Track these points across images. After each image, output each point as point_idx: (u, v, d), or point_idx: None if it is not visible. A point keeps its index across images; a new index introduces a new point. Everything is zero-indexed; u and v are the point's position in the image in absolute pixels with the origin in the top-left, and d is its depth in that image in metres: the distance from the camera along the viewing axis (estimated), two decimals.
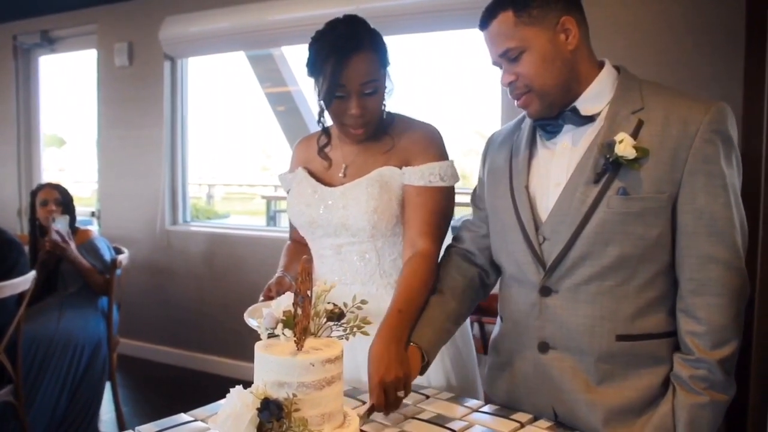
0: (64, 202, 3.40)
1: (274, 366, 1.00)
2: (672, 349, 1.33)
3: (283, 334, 1.06)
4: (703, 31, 2.94)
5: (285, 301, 1.12)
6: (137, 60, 4.55)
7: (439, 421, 1.37)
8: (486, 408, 1.45)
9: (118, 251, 3.52)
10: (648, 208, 1.27)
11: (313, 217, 1.69)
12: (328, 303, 1.13)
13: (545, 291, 1.37)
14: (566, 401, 1.36)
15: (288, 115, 5.08)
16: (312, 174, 1.76)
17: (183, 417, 1.40)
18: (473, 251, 1.59)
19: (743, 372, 2.05)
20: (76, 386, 3.16)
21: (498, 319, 1.57)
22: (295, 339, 1.02)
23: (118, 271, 3.35)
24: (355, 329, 1.15)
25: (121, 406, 3.47)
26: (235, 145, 7.66)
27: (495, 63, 1.39)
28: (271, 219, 6.15)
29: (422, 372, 1.44)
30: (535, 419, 1.40)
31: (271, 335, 1.09)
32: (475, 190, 1.64)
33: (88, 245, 3.34)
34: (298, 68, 4.93)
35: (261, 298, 1.62)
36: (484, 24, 1.37)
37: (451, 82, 5.55)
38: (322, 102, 1.62)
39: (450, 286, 1.54)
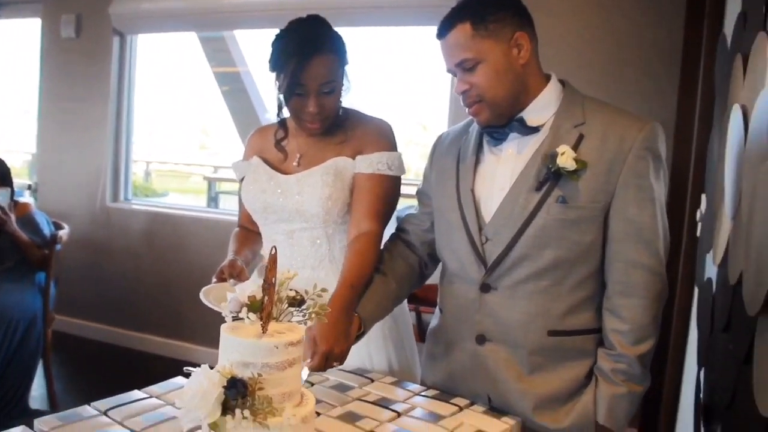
0: (1, 175, 3.31)
1: (240, 347, 1.07)
2: (596, 344, 1.46)
3: (247, 317, 1.12)
4: (644, 46, 3.14)
5: (249, 287, 1.18)
6: (85, 33, 4.43)
7: (383, 403, 1.46)
8: (426, 392, 1.55)
9: (58, 226, 3.46)
10: (583, 216, 1.39)
11: (268, 202, 1.75)
12: (290, 290, 1.20)
13: (485, 288, 1.47)
14: (500, 389, 1.48)
15: (235, 96, 5.07)
16: (267, 162, 1.83)
17: (137, 394, 1.44)
18: (414, 243, 1.69)
19: (661, 365, 2.23)
20: (8, 362, 3.12)
21: (437, 311, 1.67)
22: (261, 323, 1.09)
23: (58, 246, 3.31)
24: (313, 315, 1.21)
25: (53, 383, 3.43)
26: (173, 122, 7.53)
27: (449, 71, 1.47)
28: (213, 200, 6.11)
29: (355, 341, 1.53)
30: (472, 404, 1.50)
31: (236, 318, 1.15)
32: (419, 187, 1.72)
33: (26, 219, 3.28)
34: (248, 49, 4.92)
35: (214, 279, 1.66)
36: (441, 33, 1.44)
37: (399, 75, 5.64)
38: (281, 97, 1.69)
39: (392, 268, 1.63)
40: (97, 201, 4.46)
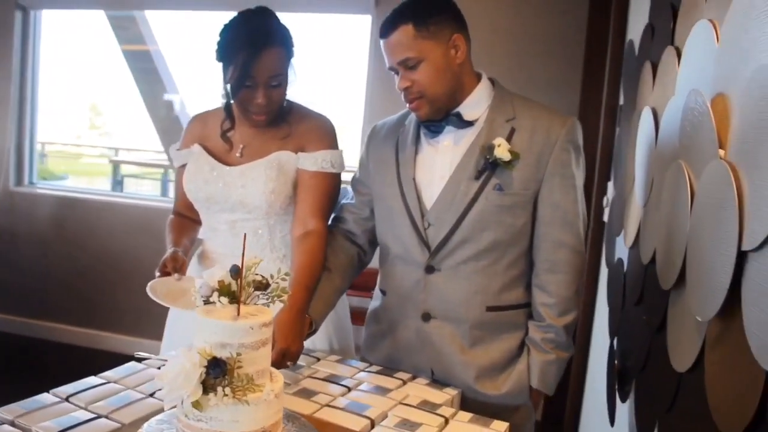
0: None
1: (217, 329, 1.12)
2: (526, 318, 1.62)
3: (219, 301, 1.19)
4: (549, 39, 3.36)
5: (217, 273, 1.24)
6: None
7: (333, 379, 1.56)
8: (370, 368, 1.66)
9: None
10: (517, 202, 1.55)
11: (210, 193, 1.78)
12: (256, 274, 1.27)
13: (429, 269, 1.60)
14: (444, 362, 1.61)
15: (145, 75, 4.93)
16: (208, 151, 1.83)
17: (94, 380, 1.46)
18: (355, 232, 1.77)
19: None
20: None
21: (378, 292, 1.77)
22: (237, 306, 1.16)
23: None
24: (275, 298, 1.29)
25: None
26: (59, 100, 7.16)
27: (391, 68, 1.57)
28: (118, 184, 5.92)
29: (306, 338, 1.61)
30: (414, 377, 1.62)
31: (206, 302, 1.21)
32: (356, 174, 1.80)
33: None
34: (158, 28, 4.80)
35: (157, 273, 1.67)
36: (384, 33, 1.54)
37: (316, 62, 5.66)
38: (228, 87, 1.70)
39: (336, 264, 1.70)
40: (0, 185, 4.24)
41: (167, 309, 4.32)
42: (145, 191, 6.69)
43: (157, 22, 4.74)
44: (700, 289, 0.98)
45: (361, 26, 3.80)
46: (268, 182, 1.74)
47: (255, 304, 1.28)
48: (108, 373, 1.51)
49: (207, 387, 1.11)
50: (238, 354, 1.12)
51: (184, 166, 1.88)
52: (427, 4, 1.53)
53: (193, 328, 1.18)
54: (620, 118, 2.26)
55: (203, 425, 1.13)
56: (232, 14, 1.70)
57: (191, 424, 1.14)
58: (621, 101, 2.35)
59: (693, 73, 1.19)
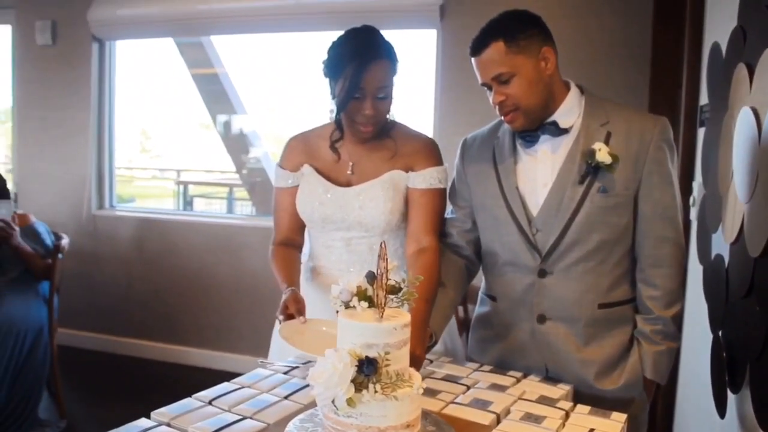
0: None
1: (364, 331, 1.21)
2: (633, 312, 1.68)
3: (359, 305, 1.28)
4: (616, 44, 3.43)
5: (354, 279, 1.34)
6: (62, 40, 4.42)
7: (450, 379, 1.63)
8: (484, 368, 1.72)
9: (57, 236, 3.48)
10: (620, 203, 1.60)
11: (327, 214, 1.85)
12: (389, 279, 1.35)
13: (542, 273, 1.66)
14: (560, 361, 1.67)
15: (214, 96, 5.12)
16: (318, 171, 1.89)
17: (229, 386, 1.55)
18: (461, 244, 1.83)
19: None
20: (17, 374, 3.11)
21: (485, 299, 1.84)
22: (380, 309, 1.25)
23: (60, 256, 3.34)
24: (405, 301, 1.37)
25: (61, 393, 3.45)
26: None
27: (484, 84, 1.64)
28: (188, 204, 6.14)
29: (427, 351, 1.67)
30: (525, 375, 1.67)
31: (347, 306, 1.30)
32: (453, 188, 1.86)
33: (28, 229, 3.30)
34: (225, 52, 4.99)
35: (280, 317, 1.69)
36: (476, 51, 1.60)
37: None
38: (336, 100, 1.76)
39: (448, 278, 1.77)
40: (83, 209, 4.47)
41: (242, 324, 4.45)
42: (212, 209, 6.89)
43: (223, 46, 4.92)
44: None
45: (426, 41, 3.87)
46: (387, 202, 1.80)
47: (389, 306, 1.36)
48: (240, 379, 1.60)
49: (357, 385, 1.19)
50: (386, 353, 1.20)
51: (289, 188, 1.93)
52: (516, 21, 1.59)
53: (338, 330, 1.27)
54: (704, 118, 2.29)
55: (353, 421, 1.20)
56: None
57: (342, 421, 1.22)
58: (702, 102, 2.37)
59: None
